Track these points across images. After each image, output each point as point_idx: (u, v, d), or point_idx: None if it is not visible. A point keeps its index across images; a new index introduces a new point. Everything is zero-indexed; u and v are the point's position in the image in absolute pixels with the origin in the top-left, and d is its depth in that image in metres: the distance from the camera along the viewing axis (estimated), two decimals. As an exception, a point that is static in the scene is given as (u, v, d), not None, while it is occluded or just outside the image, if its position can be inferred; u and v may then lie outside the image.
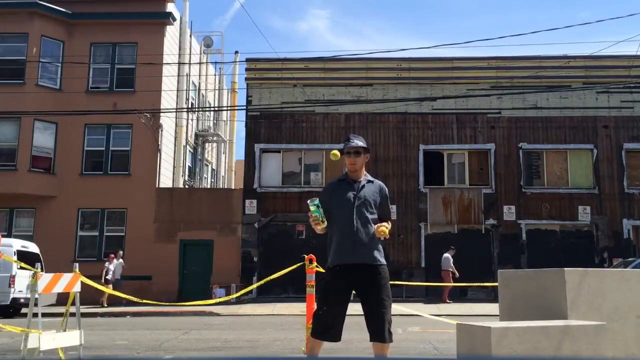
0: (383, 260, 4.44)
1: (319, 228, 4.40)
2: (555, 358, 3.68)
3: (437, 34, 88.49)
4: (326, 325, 4.33)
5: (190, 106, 25.59)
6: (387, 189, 4.66)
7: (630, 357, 4.36)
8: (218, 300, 9.90)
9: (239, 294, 10.75)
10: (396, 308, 11.53)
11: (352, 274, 4.35)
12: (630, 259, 17.57)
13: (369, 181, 4.54)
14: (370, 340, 4.31)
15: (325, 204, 4.42)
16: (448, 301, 18.44)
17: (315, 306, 4.47)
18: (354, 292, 4.47)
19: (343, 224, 4.37)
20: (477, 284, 12.02)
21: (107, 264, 18.95)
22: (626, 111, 21.17)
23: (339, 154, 4.69)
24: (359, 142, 4.55)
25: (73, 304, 7.38)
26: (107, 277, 18.55)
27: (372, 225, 4.37)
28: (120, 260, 19.57)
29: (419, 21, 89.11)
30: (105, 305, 18.14)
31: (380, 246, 4.46)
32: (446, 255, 19.20)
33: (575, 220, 20.67)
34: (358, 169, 4.55)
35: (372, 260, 4.36)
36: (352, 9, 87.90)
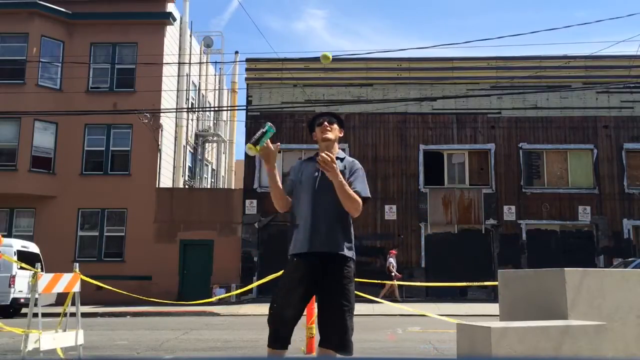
0: (348, 253, 3.71)
1: (251, 153, 3.73)
2: (555, 358, 3.68)
3: (437, 34, 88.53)
4: (276, 328, 3.59)
5: (190, 106, 25.59)
6: (360, 166, 3.93)
7: (630, 357, 4.36)
8: (217, 297, 9.90)
9: (238, 291, 10.77)
10: (396, 308, 11.54)
11: (310, 266, 3.67)
12: (630, 259, 17.56)
13: (338, 158, 3.83)
14: (323, 347, 3.61)
15: (289, 186, 3.89)
16: None
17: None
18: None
19: (303, 208, 3.78)
20: (477, 284, 12.04)
21: (390, 258, 19.03)
22: (626, 111, 21.18)
23: (330, 56, 4.15)
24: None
25: (73, 304, 7.38)
26: (392, 273, 18.72)
27: (338, 208, 3.69)
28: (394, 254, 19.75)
29: (419, 21, 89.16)
30: (400, 299, 18.50)
31: (347, 235, 3.76)
32: None
33: (575, 220, 20.67)
34: (331, 140, 3.92)
35: (332, 249, 3.67)
36: (350, 9, 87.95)
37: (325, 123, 3.95)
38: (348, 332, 3.60)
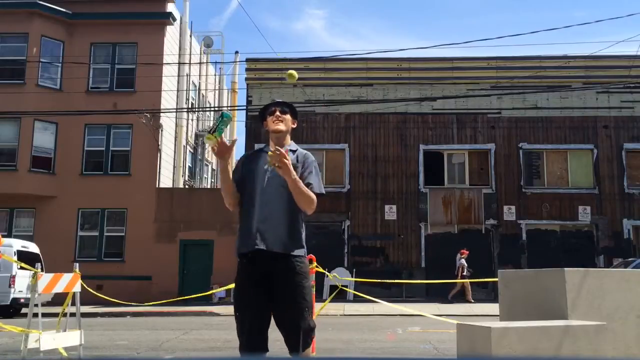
0: (299, 251, 3.49)
1: (210, 143, 3.43)
2: (555, 358, 3.68)
3: (437, 34, 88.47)
4: (242, 335, 3.45)
5: (190, 106, 25.59)
6: (313, 158, 3.72)
7: (630, 357, 4.36)
8: (215, 291, 9.89)
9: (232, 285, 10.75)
10: (396, 308, 11.56)
11: (260, 265, 3.45)
12: (630, 259, 17.57)
13: (290, 151, 3.64)
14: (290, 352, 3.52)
15: (237, 183, 3.62)
16: None
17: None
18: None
19: (250, 203, 3.53)
20: (477, 280, 12.08)
21: (462, 259, 18.88)
22: (626, 111, 21.18)
23: (296, 74, 3.94)
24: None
25: (73, 304, 7.38)
26: (464, 273, 18.52)
27: (287, 204, 3.48)
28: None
29: (419, 21, 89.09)
30: (472, 300, 18.29)
31: (298, 233, 3.54)
32: None
33: (575, 220, 20.67)
34: (283, 132, 3.69)
35: (280, 248, 3.42)
36: (349, 9, 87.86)
37: (278, 112, 3.70)
38: (308, 331, 3.43)
